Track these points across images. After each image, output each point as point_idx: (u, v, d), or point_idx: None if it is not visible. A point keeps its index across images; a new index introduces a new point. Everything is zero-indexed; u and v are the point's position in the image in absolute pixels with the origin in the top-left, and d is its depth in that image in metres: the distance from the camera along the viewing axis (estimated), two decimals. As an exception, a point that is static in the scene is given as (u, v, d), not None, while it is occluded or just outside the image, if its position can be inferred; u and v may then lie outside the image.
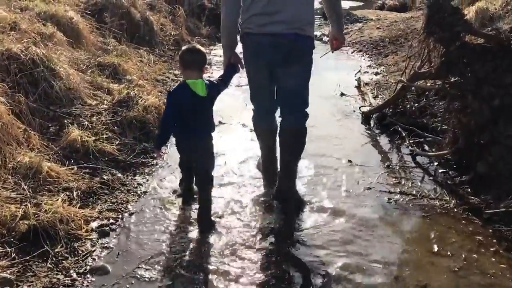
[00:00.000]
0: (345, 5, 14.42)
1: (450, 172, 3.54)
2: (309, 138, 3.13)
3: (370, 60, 7.67)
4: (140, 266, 2.43)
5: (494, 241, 2.69)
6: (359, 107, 5.06)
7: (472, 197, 3.14)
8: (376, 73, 6.67)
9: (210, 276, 2.38)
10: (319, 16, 11.38)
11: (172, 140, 2.94)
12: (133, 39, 6.76)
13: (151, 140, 3.89)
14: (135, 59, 5.89)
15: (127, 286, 2.29)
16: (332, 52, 3.36)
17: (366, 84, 6.07)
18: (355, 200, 3.17)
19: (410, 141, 4.07)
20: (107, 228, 2.75)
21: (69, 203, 2.85)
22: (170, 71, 6.32)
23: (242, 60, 3.03)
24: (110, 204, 3.01)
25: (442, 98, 4.23)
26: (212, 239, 2.70)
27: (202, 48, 2.76)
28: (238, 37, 3.01)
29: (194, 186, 3.05)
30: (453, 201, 3.12)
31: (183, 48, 2.76)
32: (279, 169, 3.22)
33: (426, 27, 3.58)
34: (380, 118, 4.67)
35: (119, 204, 3.03)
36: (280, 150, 3.13)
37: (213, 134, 2.84)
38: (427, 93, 4.56)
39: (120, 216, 2.90)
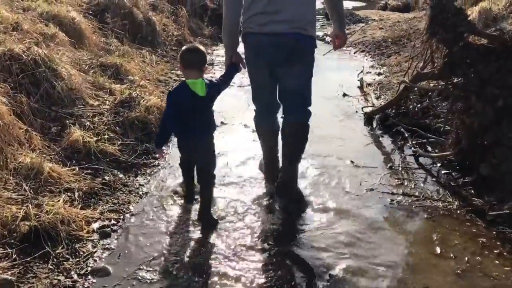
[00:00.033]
0: (347, 5, 14.41)
1: (453, 173, 3.52)
2: (311, 138, 3.12)
3: (372, 61, 7.65)
4: (141, 267, 2.41)
5: (498, 243, 2.67)
6: (362, 108, 5.05)
7: (476, 199, 3.13)
8: (379, 74, 6.66)
9: (212, 278, 2.37)
10: (322, 16, 11.36)
11: (174, 140, 2.93)
12: (135, 39, 6.75)
13: (152, 141, 3.88)
14: (137, 59, 5.88)
15: (128, 287, 2.28)
16: (335, 50, 3.36)
17: (369, 84, 6.06)
18: (357, 201, 3.15)
19: (413, 142, 4.05)
20: (109, 229, 2.74)
21: (71, 204, 2.84)
22: (172, 71, 6.31)
23: (244, 60, 3.03)
24: (112, 205, 3.00)
25: (445, 99, 4.21)
26: (214, 240, 2.69)
27: (201, 47, 2.75)
28: (240, 37, 3.01)
29: (196, 184, 3.04)
30: (456, 203, 3.10)
31: (183, 47, 2.76)
32: (281, 165, 3.23)
33: (429, 27, 3.57)
34: (382, 118, 4.65)
35: (121, 205, 3.02)
36: (283, 144, 3.13)
37: (214, 134, 2.84)
38: (430, 94, 4.54)
39: (122, 217, 2.89)
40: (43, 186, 2.92)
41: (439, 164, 3.69)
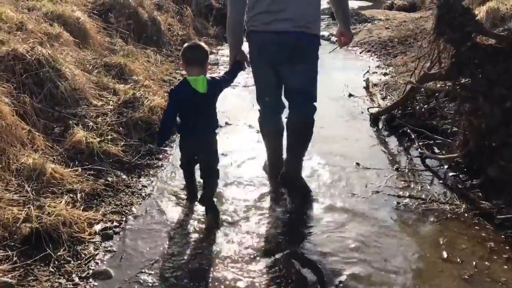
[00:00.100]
0: (353, 5, 14.34)
1: (460, 176, 3.46)
2: (316, 139, 3.09)
3: (378, 61, 7.58)
4: (143, 270, 2.39)
5: (507, 247, 2.61)
6: (368, 108, 4.99)
7: (483, 202, 3.07)
8: (385, 74, 6.59)
9: (214, 283, 2.33)
10: (327, 16, 11.30)
11: (177, 141, 2.91)
12: (140, 39, 6.73)
13: (156, 141, 3.85)
14: (142, 59, 5.86)
15: (130, 291, 2.25)
16: (340, 48, 3.38)
17: (375, 85, 6.00)
18: (363, 204, 3.10)
19: (420, 144, 3.99)
20: (111, 231, 2.71)
21: (73, 205, 2.81)
22: (177, 71, 6.28)
23: (248, 58, 3.04)
24: (114, 207, 2.97)
25: (452, 99, 4.15)
26: (217, 243, 2.66)
27: (203, 44, 2.74)
28: (244, 36, 3.01)
29: (198, 183, 3.02)
30: (464, 206, 3.05)
31: (185, 45, 2.74)
32: (285, 159, 3.23)
33: (436, 27, 3.52)
34: (388, 119, 4.59)
35: (123, 206, 2.99)
36: (287, 138, 3.13)
37: (217, 131, 2.82)
38: (437, 94, 4.48)
39: (124, 218, 2.86)
40: (45, 187, 2.90)
41: (446, 166, 3.63)
